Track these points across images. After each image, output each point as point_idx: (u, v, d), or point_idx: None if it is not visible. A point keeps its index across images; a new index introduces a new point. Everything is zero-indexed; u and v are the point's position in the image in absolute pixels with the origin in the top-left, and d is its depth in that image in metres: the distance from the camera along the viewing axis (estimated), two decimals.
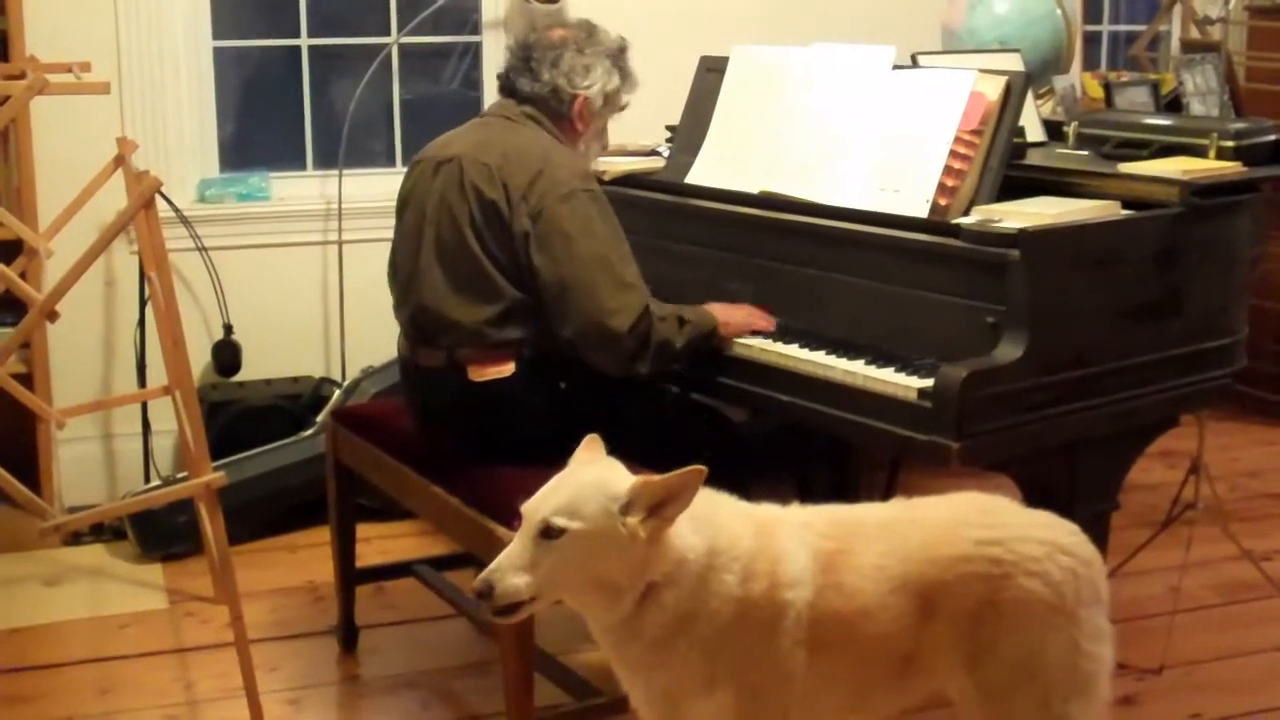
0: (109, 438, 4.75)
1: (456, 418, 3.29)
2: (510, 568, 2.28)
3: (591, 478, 2.36)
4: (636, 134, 4.11)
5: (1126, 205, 3.19)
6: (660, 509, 2.30)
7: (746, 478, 3.28)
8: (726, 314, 3.35)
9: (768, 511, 2.52)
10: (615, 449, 2.50)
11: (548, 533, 2.29)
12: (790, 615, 2.38)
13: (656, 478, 2.31)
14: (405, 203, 3.43)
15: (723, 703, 2.39)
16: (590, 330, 3.15)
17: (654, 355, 3.19)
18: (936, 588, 2.43)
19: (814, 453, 3.81)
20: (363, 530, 3.85)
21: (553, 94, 3.36)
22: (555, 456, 2.49)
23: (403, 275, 3.38)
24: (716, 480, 2.57)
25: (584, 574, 2.32)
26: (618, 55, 3.44)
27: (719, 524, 2.41)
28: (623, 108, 3.51)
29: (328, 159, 4.96)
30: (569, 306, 3.15)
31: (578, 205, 3.18)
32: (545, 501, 2.32)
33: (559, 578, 2.31)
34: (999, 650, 2.43)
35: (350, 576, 3.76)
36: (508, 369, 3.22)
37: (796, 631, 2.38)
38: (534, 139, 3.32)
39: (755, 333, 3.34)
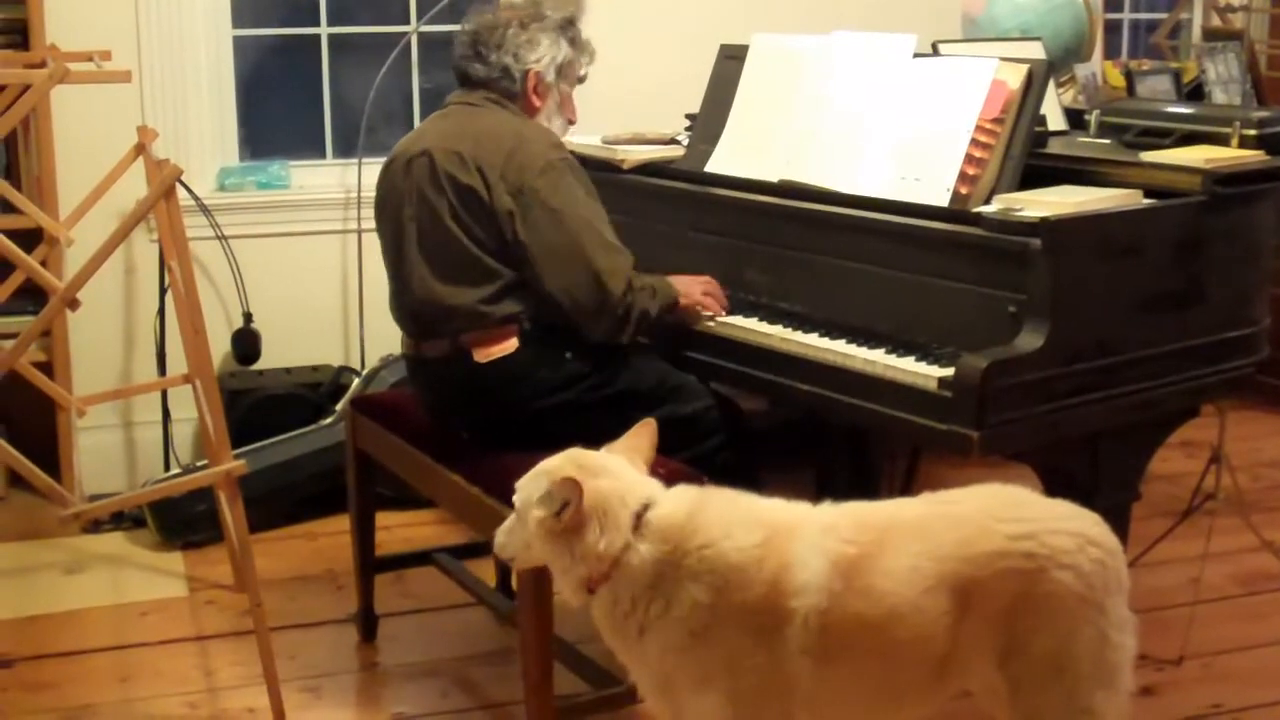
0: (129, 426, 4.77)
1: (469, 404, 3.30)
2: (503, 529, 2.56)
3: (549, 464, 2.49)
4: (656, 122, 4.10)
5: (1148, 194, 3.17)
6: (561, 512, 2.41)
7: (757, 469, 3.30)
8: (686, 287, 3.42)
9: (789, 514, 2.51)
10: (625, 422, 2.62)
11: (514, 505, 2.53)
12: (795, 623, 2.38)
13: (559, 477, 2.41)
14: (382, 204, 3.44)
15: (717, 703, 2.41)
16: (585, 292, 3.21)
17: (636, 321, 3.26)
18: (972, 585, 2.41)
19: (833, 442, 3.80)
20: (382, 518, 3.86)
21: (504, 74, 3.40)
22: (571, 430, 2.53)
23: (393, 274, 3.41)
24: (728, 472, 2.58)
25: (528, 549, 2.51)
26: (565, 26, 3.48)
27: (699, 535, 2.42)
28: (581, 79, 3.55)
29: (347, 148, 4.97)
30: (562, 272, 3.20)
31: (555, 176, 3.23)
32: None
33: (518, 547, 2.54)
34: (1031, 644, 2.42)
35: (369, 565, 3.76)
36: (511, 345, 3.25)
37: (803, 639, 2.38)
38: (500, 119, 3.35)
39: (709, 310, 3.44)
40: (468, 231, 3.24)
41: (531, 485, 2.48)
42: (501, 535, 2.57)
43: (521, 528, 2.49)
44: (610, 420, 2.77)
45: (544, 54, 3.42)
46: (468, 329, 3.25)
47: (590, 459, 2.49)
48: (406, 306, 3.36)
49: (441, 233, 3.26)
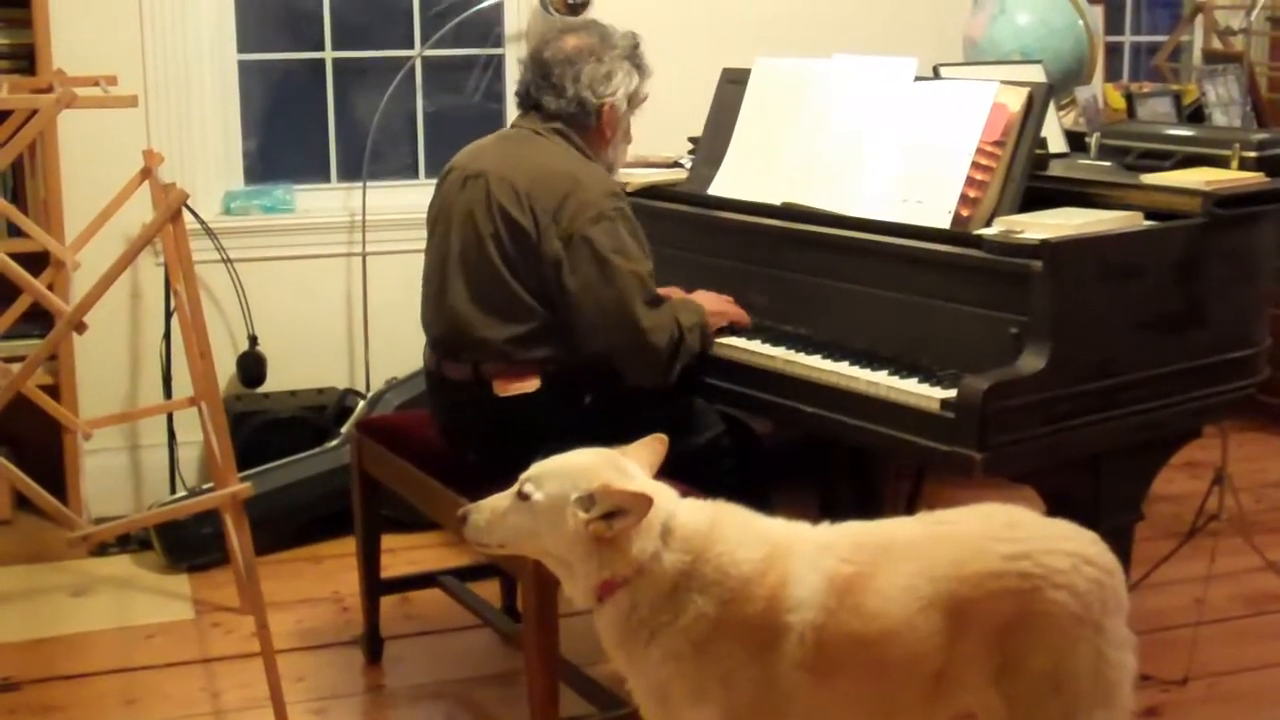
0: (135, 449, 4.78)
1: (481, 432, 3.30)
2: (487, 510, 2.51)
3: (582, 463, 2.48)
4: (659, 146, 4.12)
5: (1149, 216, 3.19)
6: (611, 517, 2.40)
7: (769, 489, 3.30)
8: (715, 305, 3.44)
9: (790, 532, 2.53)
10: None
11: (520, 493, 2.47)
12: (791, 638, 2.40)
13: (616, 487, 2.41)
14: (436, 214, 3.43)
15: (712, 716, 2.42)
16: (629, 349, 3.20)
17: (682, 362, 3.26)
18: (967, 605, 2.42)
19: (837, 464, 3.81)
20: (387, 541, 3.85)
21: (579, 108, 3.36)
22: None
23: (431, 288, 3.39)
24: (740, 492, 2.59)
25: (536, 541, 2.49)
26: (632, 53, 3.44)
27: (718, 545, 2.44)
28: (644, 99, 3.50)
29: (352, 171, 4.98)
30: (607, 327, 3.18)
31: (609, 226, 3.20)
32: (535, 468, 2.50)
33: (516, 536, 2.50)
34: (1027, 663, 2.43)
35: (375, 587, 3.77)
36: (533, 385, 3.24)
37: (798, 654, 2.40)
38: (562, 156, 3.32)
39: (734, 326, 3.46)
40: (510, 266, 3.22)
41: (564, 482, 2.44)
42: (483, 516, 2.51)
43: (531, 518, 2.45)
44: None
45: (618, 85, 3.37)
46: (492, 362, 3.25)
47: (623, 463, 2.50)
48: (439, 324, 3.36)
49: (484, 260, 3.24)
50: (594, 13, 4.82)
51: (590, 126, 3.39)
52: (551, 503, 2.44)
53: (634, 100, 3.45)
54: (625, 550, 2.41)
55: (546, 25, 4.89)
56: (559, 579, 2.56)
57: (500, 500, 2.51)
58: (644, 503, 2.39)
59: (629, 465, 2.50)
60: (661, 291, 3.34)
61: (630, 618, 2.45)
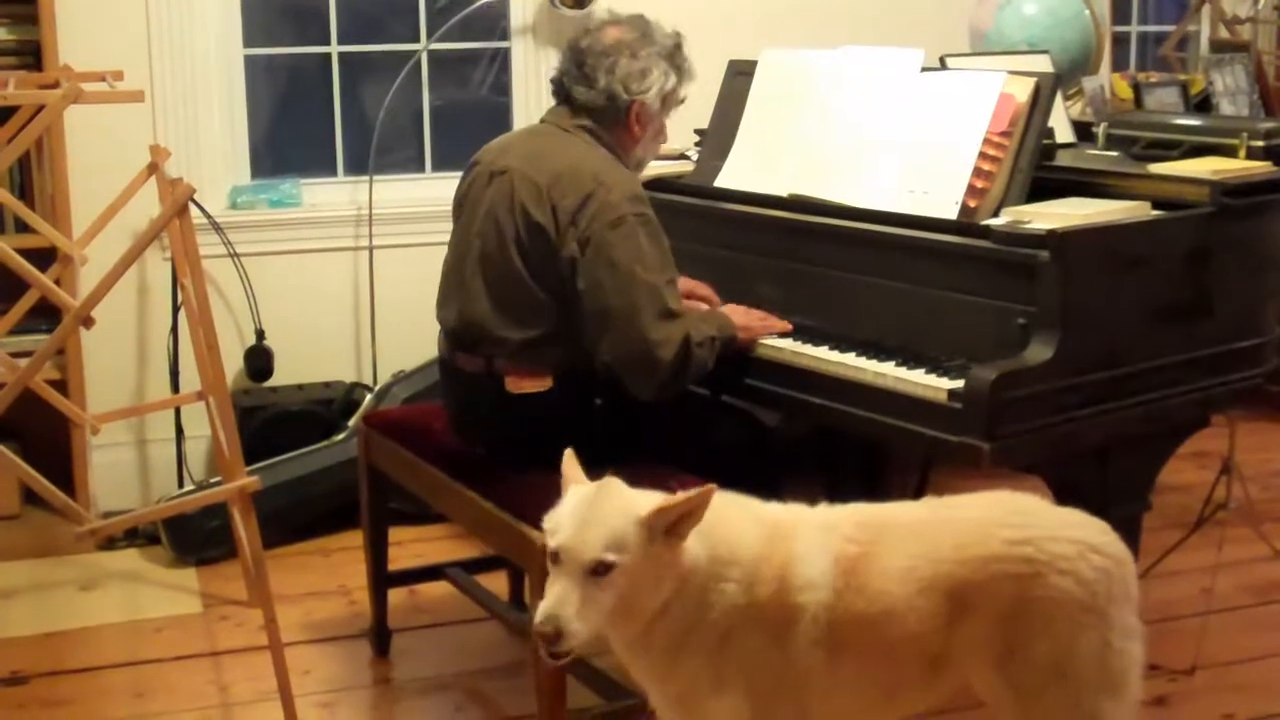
0: (143, 443, 4.79)
1: (491, 425, 3.29)
2: (573, 613, 2.25)
3: (616, 505, 2.33)
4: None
5: (1156, 206, 3.19)
6: (676, 527, 2.32)
7: (778, 481, 3.29)
8: (744, 319, 3.37)
9: (789, 514, 2.53)
10: (650, 458, 2.52)
11: (597, 570, 2.27)
12: (805, 618, 2.40)
13: (673, 500, 2.31)
14: (460, 205, 3.40)
15: (735, 703, 2.42)
16: (633, 359, 3.12)
17: (689, 378, 3.19)
18: (968, 588, 2.43)
19: (845, 455, 3.81)
20: (395, 534, 3.86)
21: (609, 101, 3.29)
22: (589, 461, 2.50)
23: (450, 280, 3.37)
24: (748, 484, 2.59)
25: (629, 604, 2.33)
26: (673, 53, 3.37)
27: (720, 532, 2.42)
28: (680, 102, 3.44)
29: (358, 165, 4.99)
30: (613, 334, 3.12)
31: (627, 231, 3.12)
32: (586, 537, 2.28)
33: (609, 613, 2.31)
34: (1031, 649, 2.44)
35: (383, 580, 3.77)
36: (545, 384, 3.21)
37: (814, 633, 2.40)
38: (587, 155, 3.25)
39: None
40: (529, 268, 3.18)
41: (628, 529, 2.29)
42: (573, 621, 2.24)
43: (628, 583, 2.29)
44: (629, 454, 2.80)
45: (653, 84, 3.30)
46: (506, 359, 3.23)
47: (615, 482, 2.39)
48: (454, 317, 3.33)
49: (503, 260, 3.20)
50: (602, 6, 4.82)
51: (619, 122, 3.32)
52: (638, 553, 2.29)
53: (669, 101, 3.37)
54: (680, 562, 2.36)
55: (554, 19, 4.90)
56: (613, 633, 2.41)
57: (572, 595, 2.26)
58: (706, 496, 2.31)
59: (616, 481, 2.41)
60: (696, 295, 3.30)
61: (674, 626, 2.38)
